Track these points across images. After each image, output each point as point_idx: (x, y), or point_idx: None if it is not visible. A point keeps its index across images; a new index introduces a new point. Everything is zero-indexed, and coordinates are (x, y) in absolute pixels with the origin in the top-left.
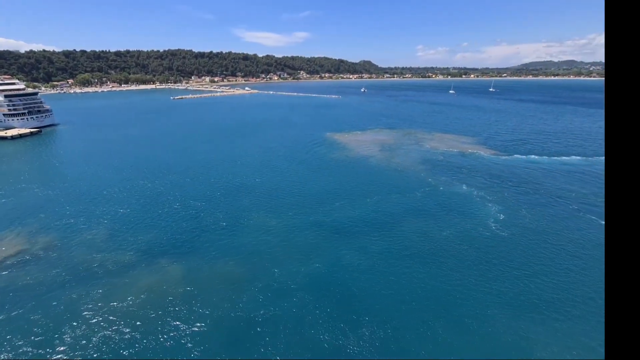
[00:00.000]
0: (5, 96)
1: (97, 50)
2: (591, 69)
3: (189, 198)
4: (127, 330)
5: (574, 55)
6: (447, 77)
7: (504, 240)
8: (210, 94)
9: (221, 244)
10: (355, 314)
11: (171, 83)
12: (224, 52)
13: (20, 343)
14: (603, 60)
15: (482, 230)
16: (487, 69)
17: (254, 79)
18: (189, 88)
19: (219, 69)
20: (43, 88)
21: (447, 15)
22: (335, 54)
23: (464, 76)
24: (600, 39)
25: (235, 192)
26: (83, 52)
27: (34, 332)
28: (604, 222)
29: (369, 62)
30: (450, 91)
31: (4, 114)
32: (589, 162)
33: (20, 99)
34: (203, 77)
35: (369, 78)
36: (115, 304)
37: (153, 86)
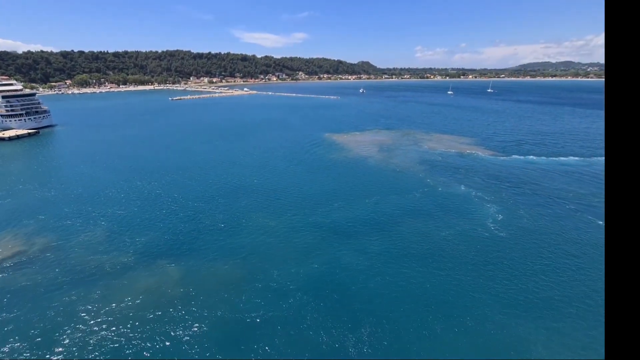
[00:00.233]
0: (3, 97)
1: (95, 51)
2: (589, 69)
3: (187, 199)
4: (125, 331)
5: (571, 56)
6: (446, 77)
7: (502, 240)
8: (208, 95)
9: (220, 244)
10: (354, 314)
11: (169, 84)
12: (222, 53)
13: (18, 345)
14: (600, 61)
15: (481, 230)
16: (485, 69)
17: (252, 80)
18: (187, 89)
19: (217, 70)
20: (41, 89)
21: (445, 16)
22: (333, 55)
23: (462, 77)
24: (598, 40)
25: (233, 192)
26: (81, 52)
27: (32, 333)
28: (601, 222)
29: (367, 63)
30: (449, 92)
31: (1, 115)
32: (587, 162)
33: (17, 100)
34: (201, 78)
35: (368, 79)
36: (113, 305)
37: (151, 87)
